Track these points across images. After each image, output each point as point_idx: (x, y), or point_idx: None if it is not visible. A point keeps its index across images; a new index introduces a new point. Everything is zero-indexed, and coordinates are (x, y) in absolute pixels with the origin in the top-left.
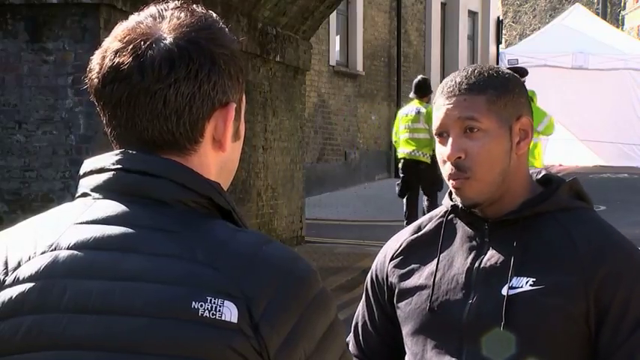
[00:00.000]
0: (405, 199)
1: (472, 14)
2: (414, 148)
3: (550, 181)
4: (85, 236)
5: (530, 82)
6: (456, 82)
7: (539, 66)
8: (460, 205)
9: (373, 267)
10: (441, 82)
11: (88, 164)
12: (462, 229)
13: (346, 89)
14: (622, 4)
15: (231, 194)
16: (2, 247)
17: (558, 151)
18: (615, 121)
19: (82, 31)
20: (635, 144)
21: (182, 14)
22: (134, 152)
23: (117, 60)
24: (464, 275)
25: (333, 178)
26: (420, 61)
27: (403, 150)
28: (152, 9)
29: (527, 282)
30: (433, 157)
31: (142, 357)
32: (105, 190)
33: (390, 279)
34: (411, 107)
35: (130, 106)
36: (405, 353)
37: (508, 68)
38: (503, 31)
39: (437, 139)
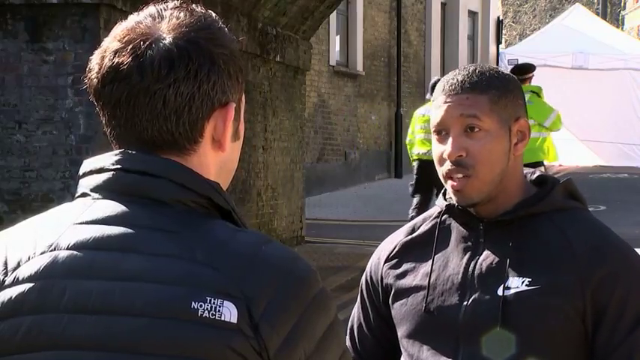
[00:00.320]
0: (417, 199)
1: (472, 14)
2: (429, 148)
3: (544, 182)
4: (85, 236)
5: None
6: (458, 80)
7: (539, 66)
8: (455, 205)
9: (368, 269)
10: None
11: (88, 164)
12: (456, 229)
13: (346, 89)
14: (622, 4)
15: (231, 194)
16: (2, 247)
17: (558, 151)
18: (615, 121)
19: (82, 31)
20: (635, 144)
21: (181, 14)
22: (134, 152)
23: (116, 60)
24: (459, 276)
25: (333, 178)
26: (420, 61)
27: (419, 150)
28: (151, 9)
29: (522, 282)
30: None
31: (141, 357)
32: (104, 190)
33: (384, 281)
34: (427, 108)
35: (129, 106)
36: (400, 355)
37: (517, 65)
38: (503, 31)
39: (435, 137)
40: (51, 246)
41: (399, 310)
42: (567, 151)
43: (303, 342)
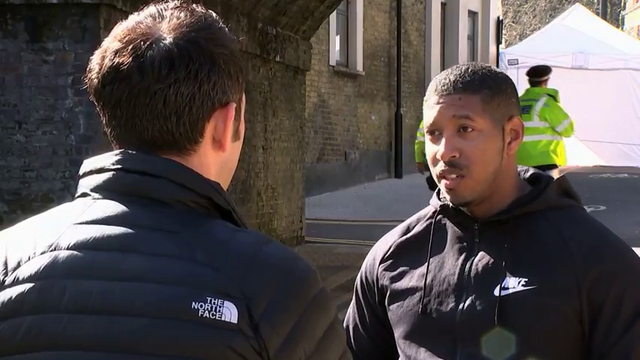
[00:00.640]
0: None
1: (472, 14)
2: None
3: (538, 180)
4: (85, 236)
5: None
6: (450, 80)
7: None
8: (450, 205)
9: (363, 269)
10: None
11: (88, 164)
12: (451, 229)
13: (346, 89)
14: (622, 4)
15: (231, 194)
16: (2, 247)
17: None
18: (615, 121)
19: (82, 31)
20: (635, 144)
21: (182, 14)
22: (134, 152)
23: (117, 60)
24: (455, 277)
25: (333, 178)
26: (420, 61)
27: None
28: (152, 9)
29: (519, 282)
30: None
31: (141, 357)
32: (104, 190)
33: (380, 282)
34: None
35: (129, 106)
36: (397, 355)
37: (533, 67)
38: (503, 31)
39: (428, 137)
40: (51, 246)
41: (395, 311)
42: (567, 151)
43: (303, 342)
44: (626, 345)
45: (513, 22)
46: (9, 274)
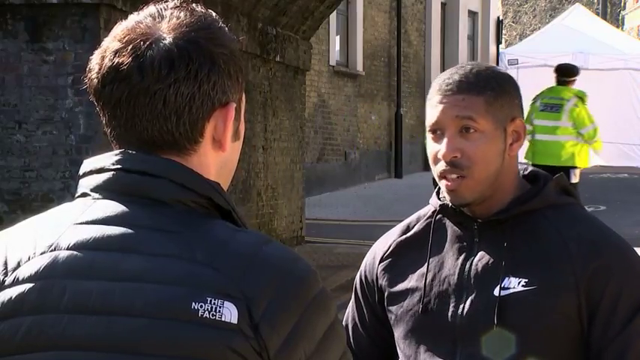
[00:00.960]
0: None
1: (472, 14)
2: None
3: (536, 177)
4: (85, 236)
5: (530, 82)
6: (454, 80)
7: (539, 66)
8: (449, 205)
9: (362, 268)
10: None
11: (88, 164)
12: (451, 229)
13: (346, 89)
14: (622, 4)
15: (231, 194)
16: (2, 247)
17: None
18: (615, 121)
19: (82, 31)
20: (635, 144)
21: (181, 14)
22: (134, 152)
23: (116, 60)
24: (455, 277)
25: (333, 178)
26: (420, 61)
27: None
28: (151, 8)
29: (519, 282)
30: None
31: (141, 357)
32: (104, 190)
33: (379, 281)
34: None
35: (129, 106)
36: (396, 354)
37: (562, 65)
38: (503, 31)
39: (430, 136)
40: (51, 246)
41: (395, 311)
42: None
43: (303, 342)
44: (624, 341)
45: (513, 22)
46: (9, 274)
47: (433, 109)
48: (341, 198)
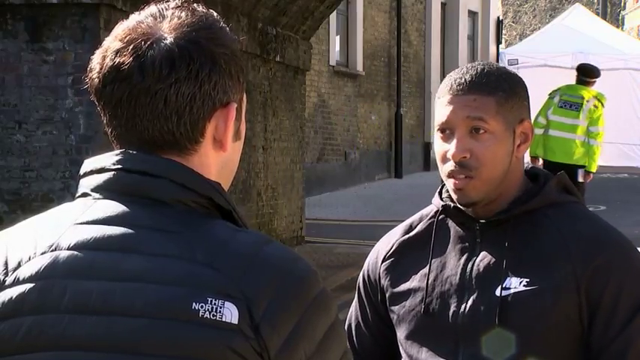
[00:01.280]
0: None
1: (472, 14)
2: None
3: (537, 176)
4: (85, 236)
5: (530, 82)
6: (465, 80)
7: (539, 66)
8: (452, 205)
9: (365, 267)
10: (441, 82)
11: (89, 164)
12: (453, 229)
13: (346, 89)
14: (622, 4)
15: (231, 194)
16: (2, 247)
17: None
18: (615, 121)
19: (82, 31)
20: (635, 144)
21: (183, 14)
22: (134, 152)
23: (117, 60)
24: (457, 277)
25: (333, 178)
26: (420, 61)
27: None
28: (153, 8)
29: (520, 282)
30: None
31: (142, 357)
32: (105, 190)
33: (382, 281)
34: None
35: (130, 106)
36: (399, 354)
37: (584, 65)
38: (503, 31)
39: (438, 135)
40: (51, 246)
41: (397, 311)
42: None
43: (303, 342)
44: (625, 340)
45: (513, 22)
46: (9, 274)
47: (443, 109)
48: (341, 198)
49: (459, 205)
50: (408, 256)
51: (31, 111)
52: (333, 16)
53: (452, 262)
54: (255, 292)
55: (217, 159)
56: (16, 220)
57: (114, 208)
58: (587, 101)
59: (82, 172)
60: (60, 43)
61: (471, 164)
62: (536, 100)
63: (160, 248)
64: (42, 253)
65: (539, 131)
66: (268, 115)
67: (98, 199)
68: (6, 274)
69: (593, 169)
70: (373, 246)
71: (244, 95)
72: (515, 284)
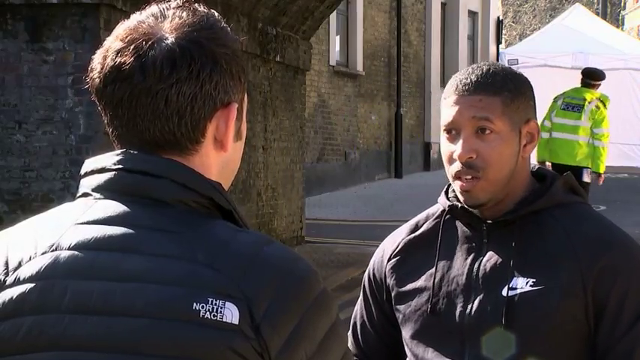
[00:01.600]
0: None
1: (472, 14)
2: None
3: (544, 176)
4: (86, 236)
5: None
6: (471, 80)
7: (539, 66)
8: (459, 205)
9: (370, 266)
10: (441, 82)
11: (89, 164)
12: (460, 229)
13: (346, 89)
14: (622, 4)
15: (231, 194)
16: (3, 247)
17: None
18: (615, 121)
19: (82, 31)
20: (635, 144)
21: (184, 14)
22: (135, 152)
23: (118, 60)
24: (464, 277)
25: (333, 178)
26: (420, 61)
27: None
28: (154, 8)
29: (527, 282)
30: None
31: (142, 357)
32: (106, 190)
33: (388, 280)
34: None
35: (131, 106)
36: (405, 353)
37: (590, 69)
38: (503, 31)
39: (444, 136)
40: (52, 246)
41: (403, 310)
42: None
43: (304, 343)
44: (631, 341)
45: (513, 22)
46: (10, 274)
47: (449, 109)
48: (341, 198)
49: (466, 206)
50: (414, 256)
51: (31, 111)
52: (333, 16)
53: (458, 262)
54: (255, 293)
55: (218, 159)
56: (16, 220)
57: (115, 208)
58: (589, 102)
59: (82, 172)
60: (60, 43)
61: (478, 165)
62: (536, 101)
63: (161, 248)
64: (42, 253)
65: (545, 135)
66: (268, 115)
67: (99, 199)
68: (6, 274)
69: (602, 170)
70: (373, 246)
71: (245, 95)
72: (522, 284)
